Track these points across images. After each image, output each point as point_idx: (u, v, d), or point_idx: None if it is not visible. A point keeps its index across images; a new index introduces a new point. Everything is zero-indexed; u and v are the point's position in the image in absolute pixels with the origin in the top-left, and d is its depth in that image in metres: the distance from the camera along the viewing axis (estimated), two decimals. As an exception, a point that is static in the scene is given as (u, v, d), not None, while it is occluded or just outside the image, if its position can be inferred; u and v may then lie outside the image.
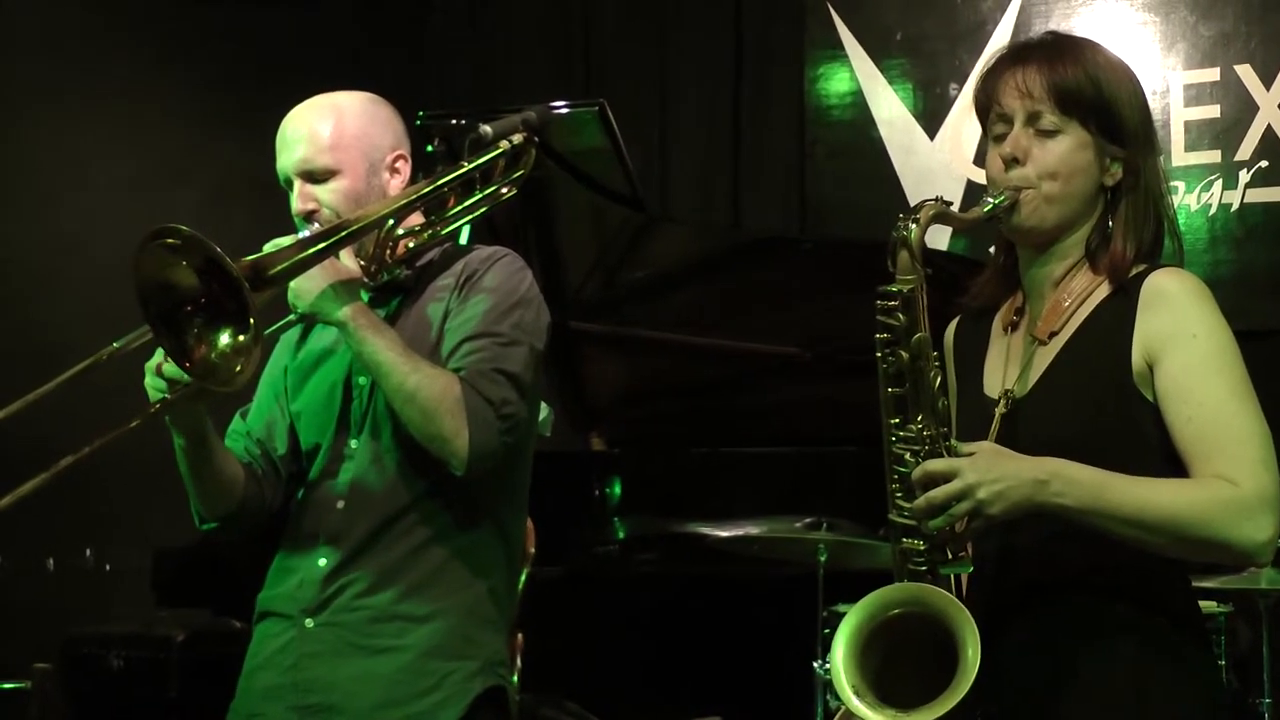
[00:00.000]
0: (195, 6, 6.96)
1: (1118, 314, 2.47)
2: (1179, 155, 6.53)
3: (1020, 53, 2.56)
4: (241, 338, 2.70)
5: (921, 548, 2.42)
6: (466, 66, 7.85)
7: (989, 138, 2.57)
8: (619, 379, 6.19)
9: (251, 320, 2.67)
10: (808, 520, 4.94)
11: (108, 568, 6.56)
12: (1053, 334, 2.52)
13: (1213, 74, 6.53)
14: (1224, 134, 6.47)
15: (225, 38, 7.01)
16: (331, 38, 7.22)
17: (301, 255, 2.83)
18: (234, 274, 2.65)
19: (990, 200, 2.50)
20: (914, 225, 2.42)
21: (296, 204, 3.08)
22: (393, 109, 3.21)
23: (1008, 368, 2.56)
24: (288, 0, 7.27)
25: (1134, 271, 2.49)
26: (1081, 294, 2.52)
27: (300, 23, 7.19)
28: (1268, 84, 6.41)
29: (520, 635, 4.54)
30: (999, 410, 2.51)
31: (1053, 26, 6.70)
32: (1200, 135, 6.52)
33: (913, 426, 2.42)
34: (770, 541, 5.00)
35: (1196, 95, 6.54)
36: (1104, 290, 2.50)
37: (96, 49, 6.53)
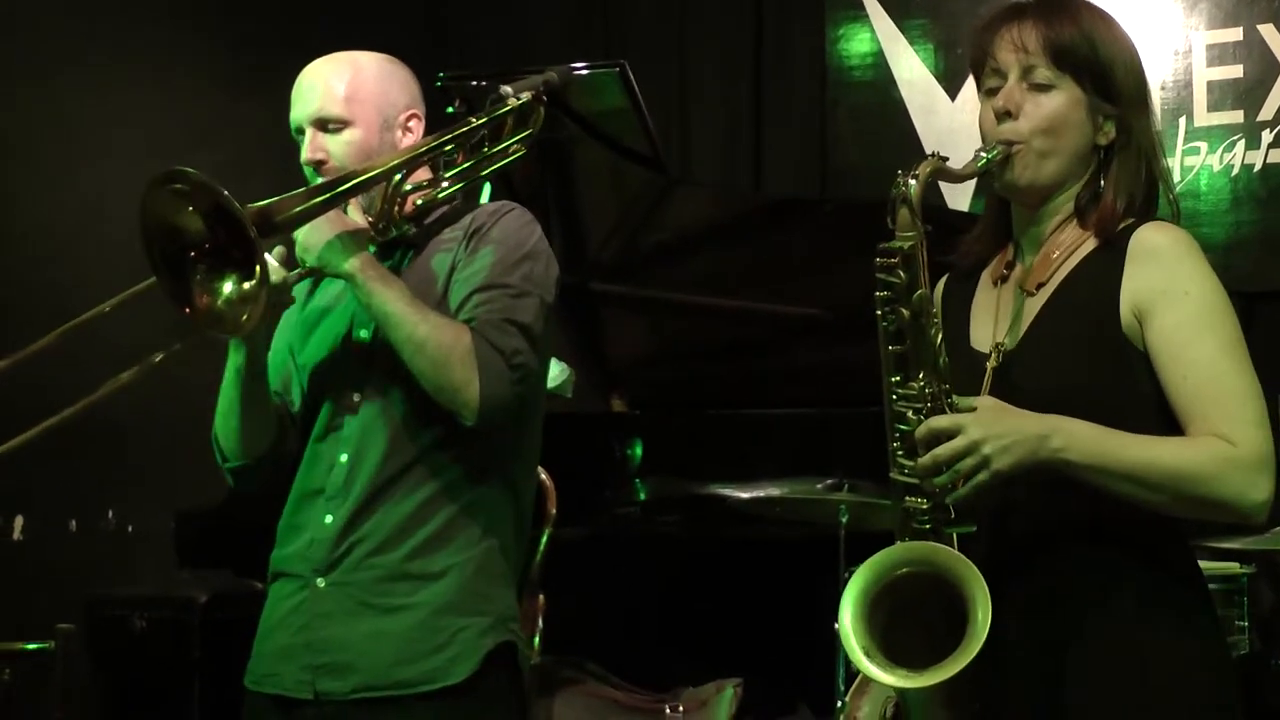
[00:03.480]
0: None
1: (1105, 266, 2.47)
2: (1201, 116, 6.49)
3: (1017, 9, 2.56)
4: (248, 285, 2.70)
5: (925, 506, 2.42)
6: (487, 29, 7.82)
7: (982, 91, 2.57)
8: (640, 340, 6.19)
9: (258, 267, 2.67)
10: (829, 481, 4.94)
11: (130, 529, 6.58)
12: (1040, 285, 2.52)
13: (1235, 34, 6.48)
14: (1247, 94, 6.43)
15: (248, 2, 7.00)
16: (354, 2, 7.21)
17: (309, 203, 2.84)
18: (242, 219, 2.66)
19: (984, 155, 2.50)
20: (913, 182, 2.42)
21: (306, 153, 3.09)
22: (410, 72, 3.21)
23: (998, 321, 2.56)
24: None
25: (1122, 225, 2.49)
26: (1070, 246, 2.52)
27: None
28: (1292, 44, 6.38)
29: (541, 597, 4.55)
30: (990, 364, 2.51)
31: (1075, -14, 6.66)
32: (1223, 95, 6.48)
33: (914, 384, 2.42)
34: (792, 503, 5.00)
35: (1219, 55, 6.50)
36: (1092, 243, 2.51)
37: (119, 12, 6.52)
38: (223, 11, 6.91)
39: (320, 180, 2.99)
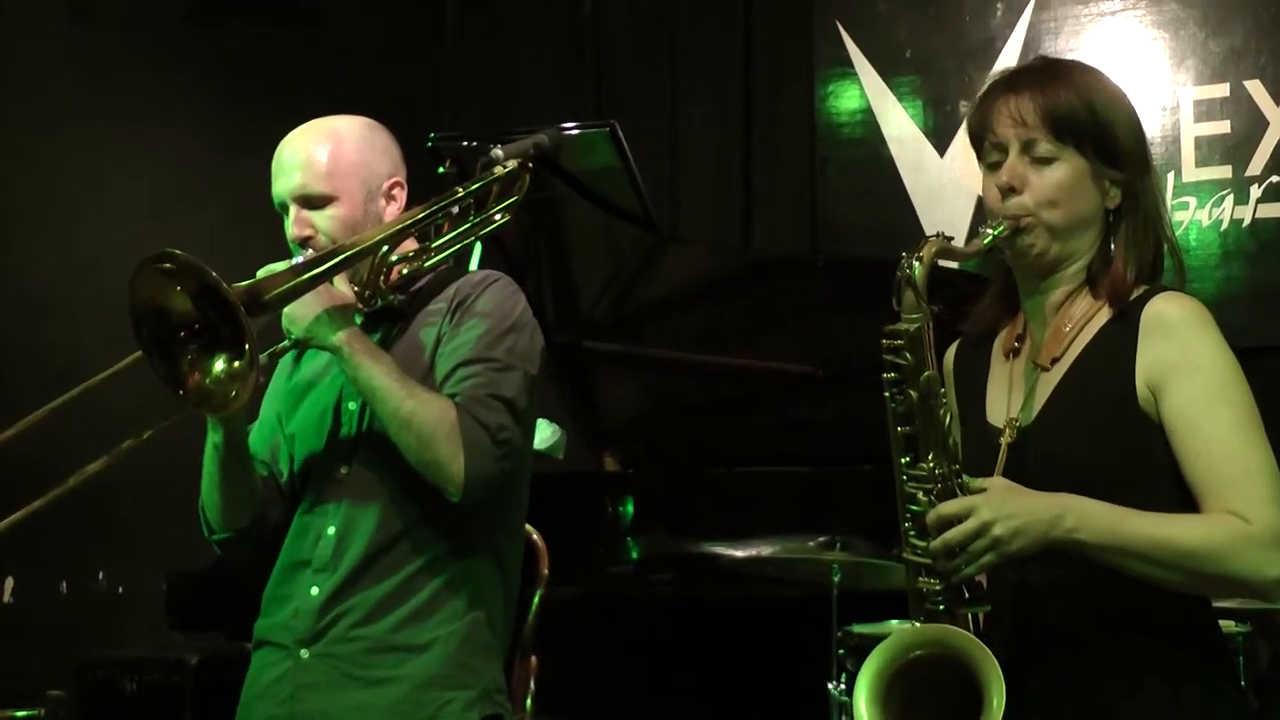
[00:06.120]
0: (212, 29, 6.97)
1: (1119, 340, 2.45)
2: (1189, 171, 6.53)
3: (1012, 80, 2.53)
4: (237, 363, 2.70)
5: (938, 587, 2.40)
6: (480, 88, 7.86)
7: (984, 165, 2.55)
8: (632, 399, 6.18)
9: (247, 346, 2.67)
10: (822, 539, 4.92)
11: (121, 591, 6.55)
12: (1054, 360, 2.50)
13: (1223, 89, 6.53)
14: (1235, 149, 6.47)
15: (242, 61, 7.02)
16: (347, 61, 7.23)
17: (297, 280, 2.83)
18: (230, 299, 2.66)
19: (990, 231, 2.47)
20: (917, 263, 2.40)
21: (292, 230, 3.07)
22: (390, 135, 3.20)
23: (1011, 396, 2.54)
24: (304, 24, 7.28)
25: (1134, 294, 2.47)
26: (1082, 319, 2.50)
27: (316, 47, 7.20)
28: (1278, 100, 6.41)
29: (534, 657, 4.53)
30: (1005, 440, 2.49)
31: (1062, 43, 6.71)
32: (1211, 151, 6.52)
33: (924, 465, 2.40)
34: (784, 562, 4.99)
35: (1207, 111, 6.54)
36: (1105, 315, 2.49)
37: (114, 72, 6.54)
38: (217, 70, 6.92)
39: (305, 255, 2.98)
